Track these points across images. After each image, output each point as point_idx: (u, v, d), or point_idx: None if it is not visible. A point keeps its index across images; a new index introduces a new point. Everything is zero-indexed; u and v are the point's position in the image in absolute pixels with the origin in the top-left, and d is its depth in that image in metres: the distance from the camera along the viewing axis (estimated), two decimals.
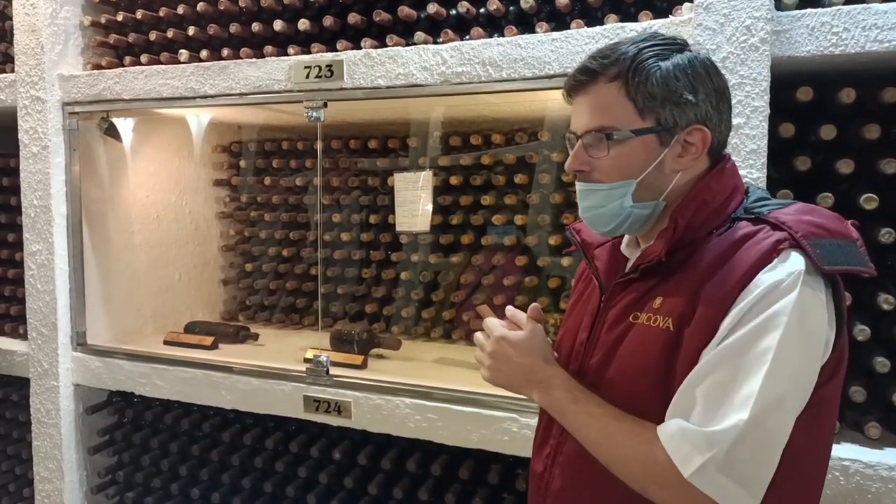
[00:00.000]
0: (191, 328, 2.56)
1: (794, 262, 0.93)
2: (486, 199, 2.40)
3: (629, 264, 1.13)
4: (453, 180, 2.46)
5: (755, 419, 0.88)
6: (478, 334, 1.21)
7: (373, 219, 2.61)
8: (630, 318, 1.06)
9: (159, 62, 2.24)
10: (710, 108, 1.03)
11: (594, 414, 1.04)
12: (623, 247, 1.18)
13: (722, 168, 1.06)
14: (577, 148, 1.07)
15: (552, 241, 2.28)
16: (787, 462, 0.94)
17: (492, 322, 1.20)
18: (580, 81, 1.06)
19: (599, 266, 1.18)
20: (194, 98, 2.14)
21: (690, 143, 1.03)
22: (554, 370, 1.12)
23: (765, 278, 0.93)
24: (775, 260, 0.94)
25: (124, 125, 2.52)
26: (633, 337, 1.05)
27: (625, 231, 1.11)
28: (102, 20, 2.36)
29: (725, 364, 0.92)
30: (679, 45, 1.04)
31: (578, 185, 1.10)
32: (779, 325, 0.90)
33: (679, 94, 1.00)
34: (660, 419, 0.98)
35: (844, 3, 1.52)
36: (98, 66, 2.35)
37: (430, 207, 2.35)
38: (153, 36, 2.27)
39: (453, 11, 1.92)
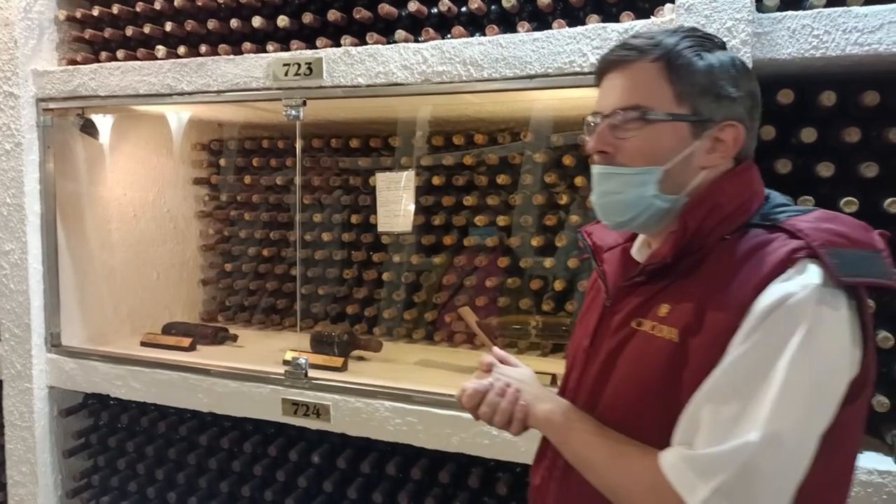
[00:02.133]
0: (168, 329, 2.52)
1: (810, 274, 0.88)
2: (469, 200, 2.39)
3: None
4: (436, 180, 2.44)
5: (764, 442, 0.83)
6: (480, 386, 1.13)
7: (354, 219, 2.59)
8: (633, 324, 1.01)
9: (136, 58, 2.20)
10: (745, 109, 1.00)
11: (603, 434, 1.00)
12: (634, 250, 1.13)
13: (740, 171, 1.01)
14: (602, 127, 1.03)
15: (535, 242, 2.27)
16: (802, 489, 0.88)
17: (483, 381, 1.13)
18: (623, 57, 1.02)
19: (608, 270, 1.14)
20: (171, 95, 2.10)
21: (721, 140, 0.99)
22: (554, 394, 1.12)
23: (776, 289, 0.87)
24: (790, 270, 0.88)
25: (102, 122, 2.48)
26: (636, 345, 1.00)
27: (639, 224, 1.05)
28: (78, 15, 2.31)
29: (734, 383, 0.87)
30: (720, 43, 1.03)
31: (597, 169, 1.05)
32: (790, 346, 0.85)
33: (721, 87, 0.97)
34: (661, 435, 0.94)
35: (826, 6, 1.51)
36: (73, 62, 2.31)
37: (412, 208, 2.33)
38: (129, 31, 2.22)
39: (434, 10, 1.90)
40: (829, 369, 0.88)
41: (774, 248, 0.91)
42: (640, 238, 1.13)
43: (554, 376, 1.84)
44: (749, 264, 0.91)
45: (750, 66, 1.47)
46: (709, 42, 1.01)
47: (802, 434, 0.86)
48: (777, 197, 1.04)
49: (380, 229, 2.38)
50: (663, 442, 0.93)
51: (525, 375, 1.16)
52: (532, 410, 1.09)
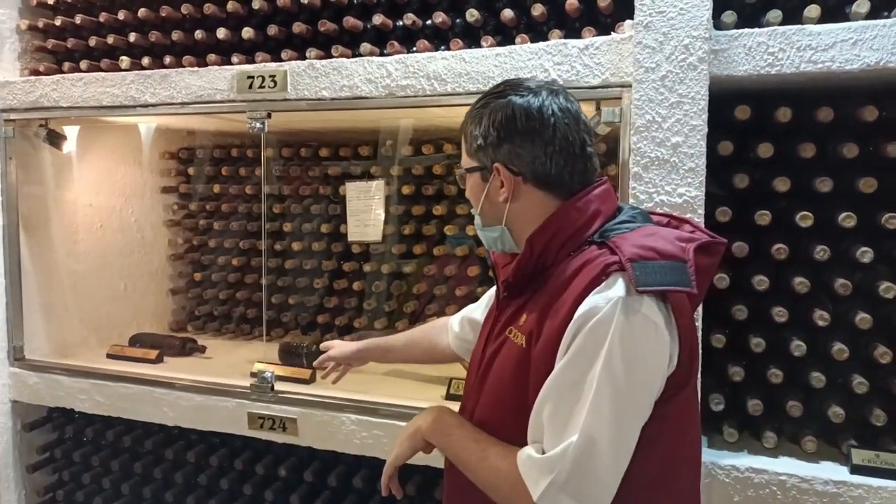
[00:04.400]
0: (135, 341, 2.49)
1: (617, 287, 1.00)
2: (439, 209, 2.39)
3: None
4: (406, 190, 2.44)
5: (583, 442, 0.96)
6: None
7: (324, 228, 2.57)
8: (507, 332, 1.16)
9: (100, 69, 2.17)
10: (513, 146, 1.12)
11: (476, 439, 1.14)
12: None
13: (585, 194, 1.13)
14: None
15: None
16: (627, 478, 1.00)
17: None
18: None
19: (500, 283, 1.26)
20: (135, 107, 2.08)
21: (500, 178, 1.14)
22: (438, 406, 1.28)
23: (589, 301, 1.00)
24: (603, 283, 1.01)
25: (69, 131, 2.44)
26: (504, 351, 1.15)
27: (497, 249, 1.24)
28: (40, 24, 2.28)
29: (560, 391, 1.00)
30: (500, 92, 1.16)
31: None
32: (601, 356, 0.97)
33: (478, 137, 1.15)
34: (517, 431, 1.07)
35: (781, 23, 1.53)
36: (36, 72, 2.28)
37: (382, 217, 2.33)
38: (93, 42, 2.20)
39: (400, 23, 1.90)
40: (642, 369, 0.99)
41: (597, 264, 1.04)
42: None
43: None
44: (578, 278, 1.05)
45: (707, 83, 1.51)
46: (491, 97, 1.16)
47: (616, 432, 0.98)
48: (626, 212, 1.16)
49: (350, 238, 2.38)
50: (520, 436, 1.07)
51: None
52: (421, 425, 1.25)
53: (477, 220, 1.23)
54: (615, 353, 0.97)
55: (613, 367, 0.97)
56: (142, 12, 2.12)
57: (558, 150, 1.12)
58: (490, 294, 1.51)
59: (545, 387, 1.02)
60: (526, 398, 1.06)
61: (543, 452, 1.01)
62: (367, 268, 2.51)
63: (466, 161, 1.21)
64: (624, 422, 0.99)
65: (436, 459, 1.79)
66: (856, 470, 1.51)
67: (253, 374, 2.06)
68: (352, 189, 2.36)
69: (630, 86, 1.57)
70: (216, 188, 2.74)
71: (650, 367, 1.01)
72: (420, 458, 1.80)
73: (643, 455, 1.01)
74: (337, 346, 1.82)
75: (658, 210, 1.53)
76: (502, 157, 1.14)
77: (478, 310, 1.55)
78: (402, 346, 1.74)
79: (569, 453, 0.97)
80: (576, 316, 1.00)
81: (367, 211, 2.36)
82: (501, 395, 1.13)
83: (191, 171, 2.85)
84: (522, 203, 1.15)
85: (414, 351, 1.73)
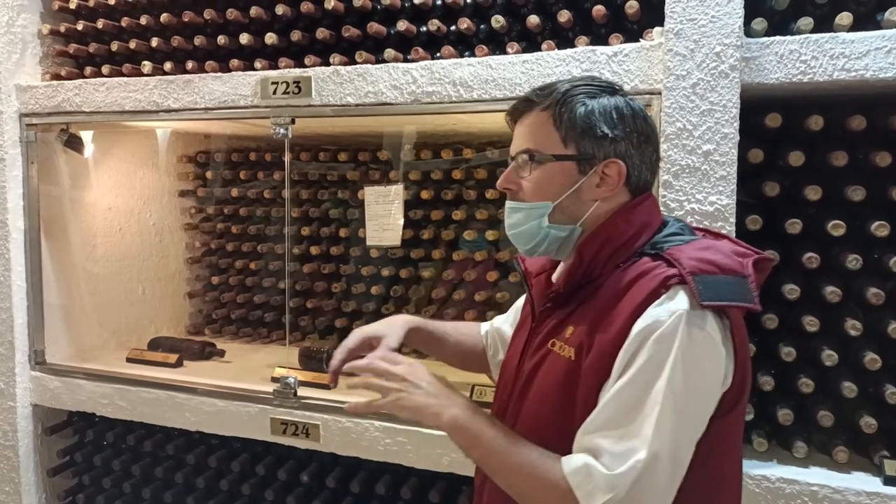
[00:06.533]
0: (155, 345, 2.50)
1: (679, 300, 0.97)
2: (458, 214, 2.38)
3: None
4: (424, 194, 2.43)
5: (649, 459, 0.93)
6: (366, 368, 1.18)
7: (343, 232, 2.57)
8: (549, 345, 1.11)
9: (121, 73, 2.17)
10: (630, 146, 1.09)
11: (512, 441, 1.06)
12: (555, 275, 1.23)
13: (634, 205, 1.11)
14: (510, 168, 1.16)
15: None
16: (680, 495, 0.98)
17: (379, 362, 1.17)
18: (518, 109, 1.16)
19: (535, 293, 1.23)
20: (157, 112, 2.08)
21: (608, 175, 1.09)
22: (466, 397, 1.15)
23: (650, 314, 0.97)
24: (663, 296, 0.98)
25: (86, 135, 2.45)
26: (547, 364, 1.11)
27: (544, 252, 1.15)
28: (62, 29, 2.28)
29: (622, 405, 0.97)
30: (611, 89, 1.13)
31: (506, 204, 1.17)
32: (665, 371, 0.94)
33: (598, 128, 1.08)
34: (559, 445, 1.02)
35: (812, 31, 1.52)
36: (57, 76, 2.28)
37: (401, 221, 2.32)
38: (115, 46, 2.20)
39: (423, 28, 1.90)
40: (700, 385, 0.98)
41: (654, 276, 1.01)
42: (562, 264, 1.22)
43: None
44: (633, 290, 1.02)
45: (738, 90, 1.49)
46: (597, 89, 1.11)
47: (675, 448, 0.96)
48: (673, 224, 1.14)
49: (369, 243, 2.37)
50: (562, 451, 1.02)
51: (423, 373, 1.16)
52: (458, 415, 1.09)
53: (536, 212, 1.10)
54: (678, 367, 0.94)
55: (675, 382, 0.95)
56: (164, 17, 2.11)
57: (655, 159, 1.14)
58: (517, 306, 1.43)
59: (605, 402, 0.98)
60: (572, 412, 1.03)
61: (600, 462, 0.96)
62: (385, 272, 2.51)
63: (552, 147, 1.09)
64: (682, 438, 0.97)
65: (460, 466, 1.81)
66: (889, 481, 1.49)
67: (275, 380, 2.05)
68: (370, 193, 2.35)
69: (660, 93, 1.56)
70: (234, 192, 2.74)
71: (708, 383, 0.99)
72: (444, 466, 1.82)
73: (697, 471, 0.99)
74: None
75: (687, 219, 1.52)
76: (620, 154, 1.09)
77: (506, 322, 1.47)
78: (452, 347, 1.52)
79: (634, 472, 0.94)
80: (636, 330, 0.97)
81: (386, 215, 2.36)
82: (543, 411, 1.09)
83: (208, 174, 2.85)
84: (609, 204, 1.11)
85: (455, 358, 1.55)
